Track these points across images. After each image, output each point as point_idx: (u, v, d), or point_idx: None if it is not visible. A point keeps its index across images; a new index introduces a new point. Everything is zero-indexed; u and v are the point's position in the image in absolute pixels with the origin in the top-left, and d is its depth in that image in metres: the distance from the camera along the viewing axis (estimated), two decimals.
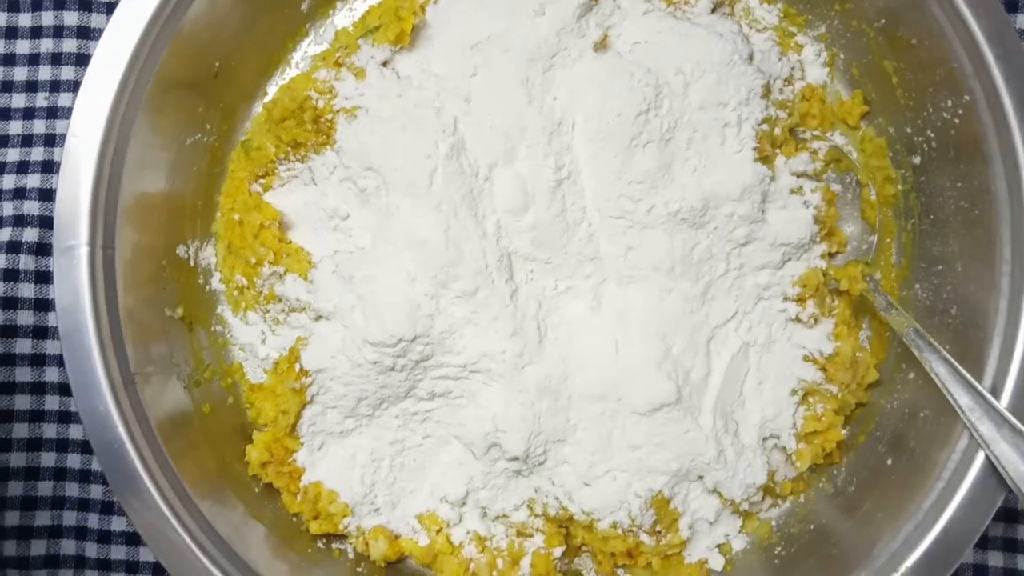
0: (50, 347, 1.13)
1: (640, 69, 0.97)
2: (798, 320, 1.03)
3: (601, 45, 1.02)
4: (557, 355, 0.98)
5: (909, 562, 0.90)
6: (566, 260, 0.99)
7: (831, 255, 1.05)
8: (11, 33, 1.16)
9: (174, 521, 0.93)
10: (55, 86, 1.15)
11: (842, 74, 1.10)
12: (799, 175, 1.03)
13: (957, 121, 0.96)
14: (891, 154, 1.06)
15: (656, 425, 0.97)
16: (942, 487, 0.92)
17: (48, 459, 1.12)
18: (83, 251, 0.94)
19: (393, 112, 0.99)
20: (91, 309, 0.93)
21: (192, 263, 1.08)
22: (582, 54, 0.99)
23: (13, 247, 1.12)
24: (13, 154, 1.14)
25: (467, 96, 0.99)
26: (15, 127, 1.15)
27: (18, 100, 1.15)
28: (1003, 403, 0.90)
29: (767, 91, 1.02)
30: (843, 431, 1.04)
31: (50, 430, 1.12)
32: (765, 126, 1.00)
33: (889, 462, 1.00)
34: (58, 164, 0.94)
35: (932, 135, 1.00)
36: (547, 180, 0.97)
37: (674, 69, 0.98)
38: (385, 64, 1.04)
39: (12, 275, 1.12)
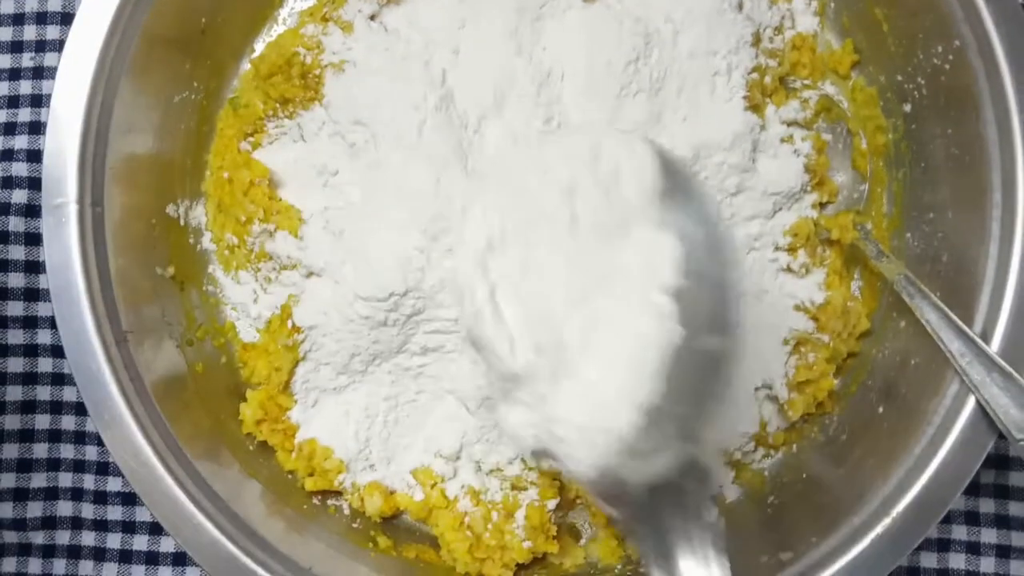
0: (42, 309, 1.13)
1: (629, 18, 0.96)
2: (789, 270, 1.03)
3: None
4: None
5: (900, 507, 0.91)
6: None
7: (822, 205, 1.05)
8: None
9: (170, 480, 0.93)
10: (40, 46, 1.14)
11: (832, 23, 1.09)
12: (789, 123, 1.02)
13: (947, 67, 0.95)
14: (882, 103, 1.05)
15: None
16: (932, 432, 0.92)
17: (42, 421, 1.12)
18: (72, 208, 0.93)
19: (381, 65, 0.98)
20: (81, 267, 0.93)
21: (182, 222, 1.08)
22: (571, 4, 0.98)
23: (2, 209, 1.12)
24: (0, 115, 1.14)
25: (455, 48, 0.98)
26: (1, 88, 1.14)
27: (3, 61, 1.14)
28: (993, 348, 0.90)
29: (757, 40, 1.01)
30: (835, 381, 1.04)
31: (44, 392, 1.12)
32: (755, 75, 1.00)
33: (880, 410, 1.00)
34: (46, 125, 0.93)
35: (923, 82, 0.99)
36: (537, 131, 0.96)
37: (663, 17, 0.97)
38: (372, 18, 1.03)
39: (2, 237, 1.12)
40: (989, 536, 1.07)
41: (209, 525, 0.93)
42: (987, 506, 1.07)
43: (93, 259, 0.94)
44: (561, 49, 0.97)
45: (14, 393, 1.12)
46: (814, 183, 1.03)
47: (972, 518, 1.07)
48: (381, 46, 1.00)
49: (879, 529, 0.91)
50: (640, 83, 0.96)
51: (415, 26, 1.01)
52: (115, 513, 1.12)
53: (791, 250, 1.03)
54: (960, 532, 1.07)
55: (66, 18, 1.14)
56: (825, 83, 1.09)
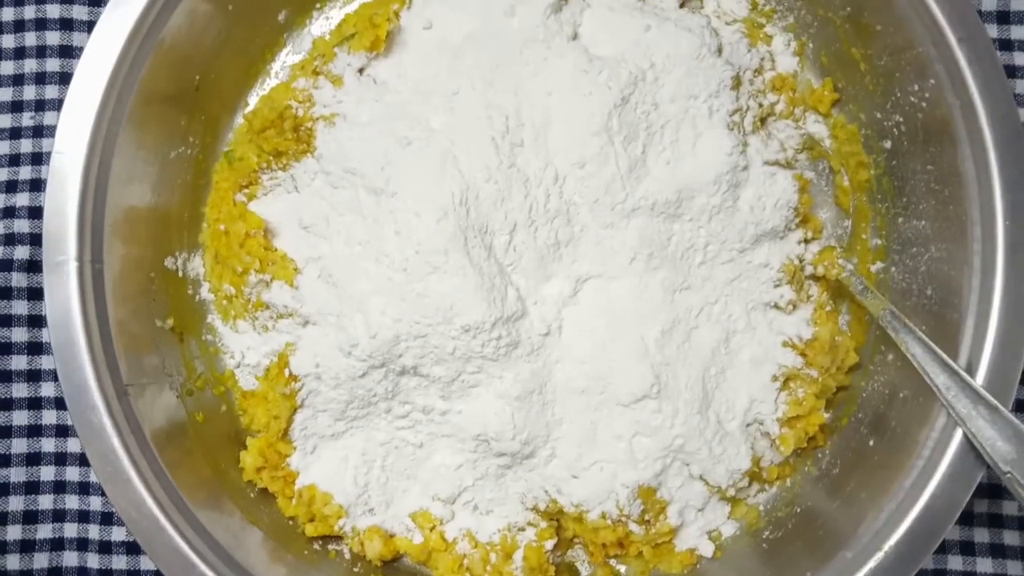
0: (45, 363, 1.15)
1: (611, 64, 0.98)
2: (776, 307, 1.05)
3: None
4: None
5: (892, 540, 0.92)
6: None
7: (807, 241, 1.06)
8: None
9: (171, 530, 0.95)
10: (40, 105, 1.17)
11: (812, 63, 1.11)
12: (772, 163, 1.04)
13: (924, 105, 0.97)
14: (863, 140, 1.07)
15: (639, 415, 0.98)
16: (923, 465, 0.93)
17: (47, 473, 1.14)
18: (72, 266, 0.95)
19: (371, 116, 1.01)
20: (82, 323, 0.95)
21: (181, 274, 1.10)
22: (553, 52, 1.00)
23: (5, 265, 1.14)
24: (1, 174, 1.16)
25: (443, 98, 1.00)
26: (2, 147, 1.17)
27: (4, 120, 1.17)
28: (978, 380, 0.91)
29: (737, 82, 1.03)
30: (826, 415, 1.05)
31: (48, 444, 1.14)
32: (736, 117, 1.02)
33: (871, 443, 1.01)
34: (46, 182, 0.96)
35: (901, 120, 1.01)
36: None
37: (645, 64, 0.99)
38: (361, 71, 1.06)
39: (5, 293, 1.14)
40: (984, 566, 1.07)
41: (211, 574, 0.94)
42: (982, 536, 1.08)
43: (93, 315, 0.96)
44: (545, 97, 0.99)
45: (19, 446, 1.14)
46: (798, 220, 1.04)
47: (967, 548, 1.08)
48: (371, 98, 1.03)
49: (872, 563, 0.92)
50: (623, 129, 0.97)
51: (404, 78, 1.03)
52: (120, 563, 1.13)
53: (778, 287, 1.04)
54: (956, 562, 1.08)
55: (64, 78, 1.16)
56: (806, 122, 1.10)
